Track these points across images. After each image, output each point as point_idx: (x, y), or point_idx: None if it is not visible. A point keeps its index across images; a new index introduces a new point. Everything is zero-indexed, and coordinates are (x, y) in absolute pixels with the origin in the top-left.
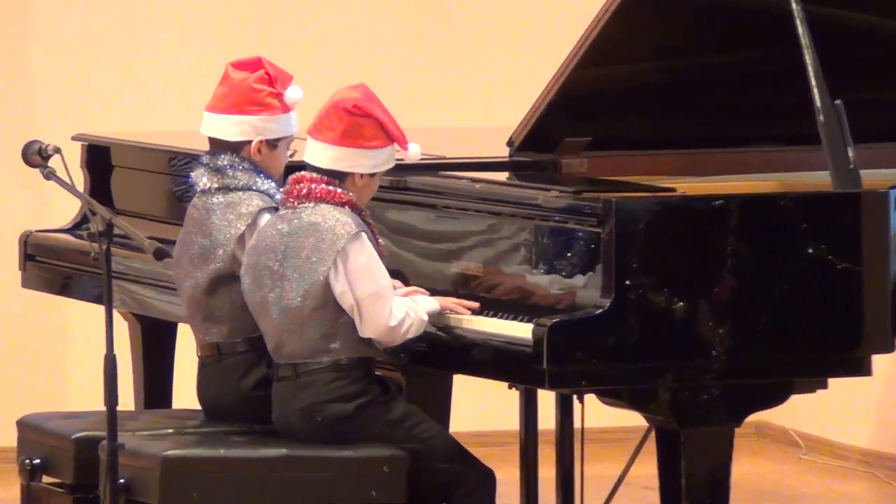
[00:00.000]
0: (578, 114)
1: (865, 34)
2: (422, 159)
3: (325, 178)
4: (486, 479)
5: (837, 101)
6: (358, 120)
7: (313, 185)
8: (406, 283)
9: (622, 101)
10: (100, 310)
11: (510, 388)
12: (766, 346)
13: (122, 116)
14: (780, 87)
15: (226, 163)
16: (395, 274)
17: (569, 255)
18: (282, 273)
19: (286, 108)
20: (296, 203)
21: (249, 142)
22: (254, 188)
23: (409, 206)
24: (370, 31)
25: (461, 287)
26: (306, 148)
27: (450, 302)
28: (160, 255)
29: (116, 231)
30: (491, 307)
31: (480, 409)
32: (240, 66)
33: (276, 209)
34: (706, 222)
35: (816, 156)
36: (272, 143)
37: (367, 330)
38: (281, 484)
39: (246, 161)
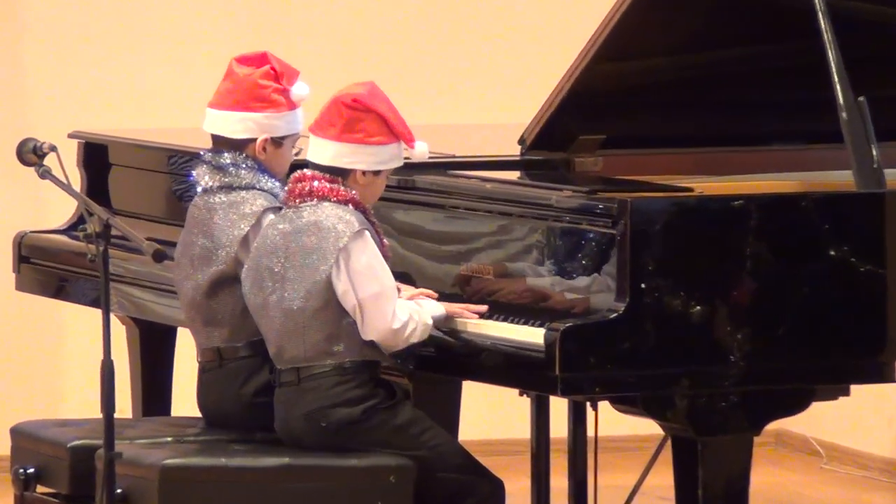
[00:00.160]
0: (592, 111)
1: (891, 28)
2: (430, 158)
3: (328, 175)
4: (495, 490)
5: (861, 98)
6: (358, 114)
7: (315, 183)
8: (413, 286)
9: (638, 97)
10: (96, 314)
11: (521, 394)
12: (786, 351)
13: (119, 113)
14: (801, 83)
15: (229, 161)
16: (401, 276)
17: (582, 257)
18: (283, 274)
19: (292, 105)
20: (297, 202)
21: (254, 139)
22: (258, 187)
23: (417, 206)
24: (378, 25)
25: (470, 290)
26: (309, 146)
27: (456, 308)
28: (159, 256)
29: (114, 232)
30: (501, 311)
31: (490, 416)
32: (245, 60)
33: (281, 209)
34: (725, 223)
35: (839, 154)
36: (277, 141)
37: (368, 331)
38: (284, 494)
39: (250, 159)
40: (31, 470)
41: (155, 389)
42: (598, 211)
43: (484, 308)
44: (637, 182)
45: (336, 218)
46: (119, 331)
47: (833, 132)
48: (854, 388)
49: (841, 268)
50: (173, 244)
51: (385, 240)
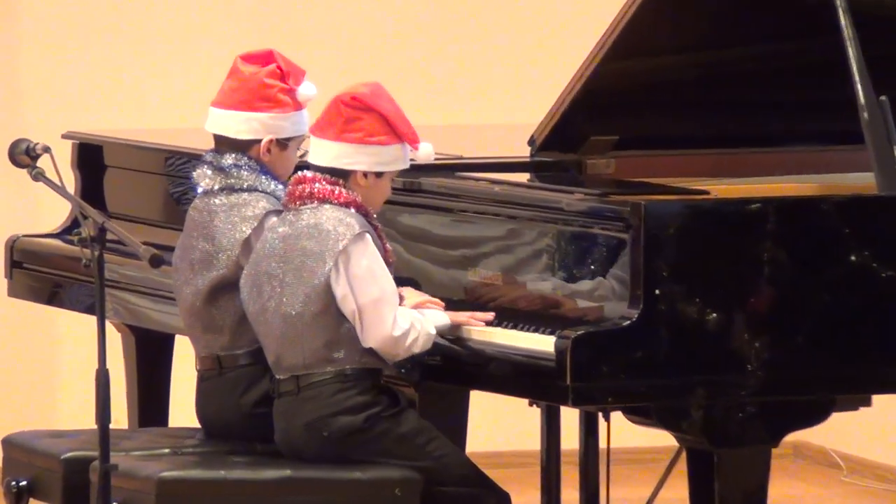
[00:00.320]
0: (604, 111)
1: None
2: (437, 159)
3: (329, 177)
4: (501, 503)
5: (882, 98)
6: (357, 113)
7: (316, 185)
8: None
9: (651, 97)
10: (91, 321)
11: (531, 405)
12: (805, 360)
13: (115, 113)
14: (820, 81)
15: (230, 162)
16: (407, 282)
17: (594, 262)
18: (281, 279)
19: (299, 106)
20: (297, 205)
21: (258, 141)
22: (260, 189)
23: (423, 209)
24: (384, 23)
25: (477, 297)
26: (310, 147)
27: (462, 317)
28: (156, 261)
29: (109, 236)
30: (510, 318)
31: (499, 427)
32: (250, 59)
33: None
34: (741, 227)
35: (860, 156)
36: (283, 143)
37: (368, 338)
38: None
39: (253, 161)
40: (24, 482)
41: (152, 399)
42: (611, 214)
43: (490, 316)
44: (651, 184)
45: (336, 220)
46: (115, 338)
47: (853, 133)
48: (876, 398)
49: (862, 273)
50: (171, 248)
51: (388, 245)
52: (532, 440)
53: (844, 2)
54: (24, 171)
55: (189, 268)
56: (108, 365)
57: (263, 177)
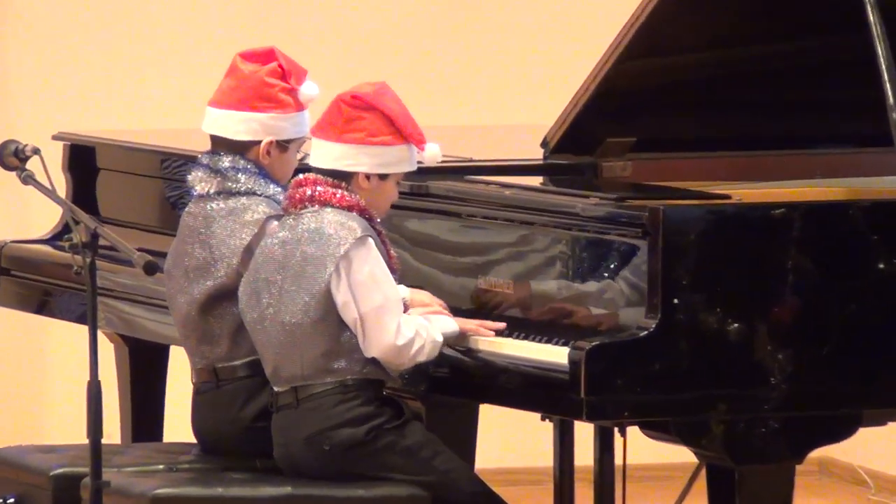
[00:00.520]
0: (621, 111)
1: None
2: (445, 161)
3: (330, 180)
4: None
5: None
6: (359, 112)
7: (317, 188)
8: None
9: (670, 96)
10: (83, 330)
11: (543, 419)
12: (831, 373)
13: (108, 113)
14: (848, 81)
15: (227, 164)
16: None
17: (609, 270)
18: (281, 286)
19: (300, 106)
20: (298, 208)
21: (258, 142)
22: (259, 193)
23: (431, 214)
24: (389, 19)
25: (487, 306)
26: (311, 148)
27: (471, 324)
28: (151, 269)
29: (102, 242)
30: (521, 328)
31: (509, 443)
32: (250, 57)
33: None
34: (765, 233)
35: (889, 158)
36: (283, 145)
37: (370, 348)
38: None
39: (251, 163)
40: (11, 500)
41: (146, 413)
42: (628, 220)
43: (502, 325)
44: (669, 188)
45: (337, 224)
46: (107, 349)
47: (882, 134)
48: None
49: (891, 282)
50: (166, 255)
51: (393, 251)
52: (544, 456)
53: None
54: (13, 173)
55: (183, 276)
56: (101, 377)
57: (262, 180)
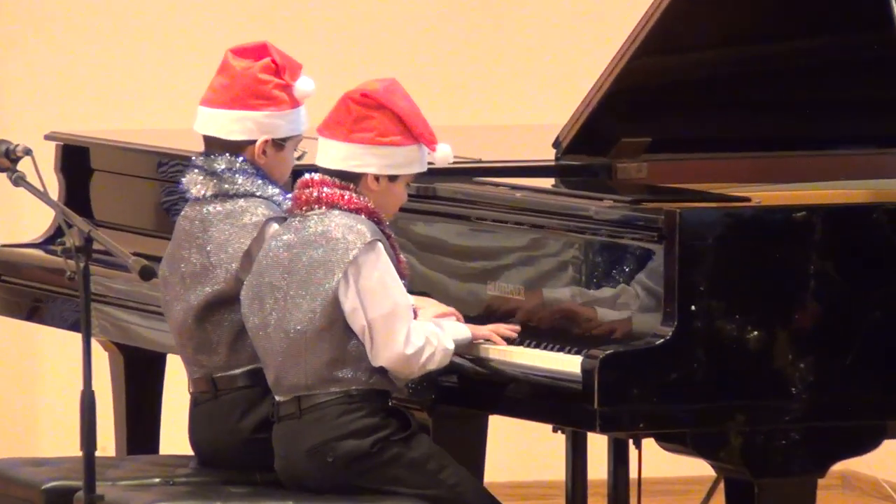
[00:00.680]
0: (636, 110)
1: None
2: (453, 163)
3: (337, 181)
4: None
5: None
6: (368, 111)
7: (323, 189)
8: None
9: (687, 95)
10: (76, 338)
11: (555, 431)
12: (854, 383)
13: (102, 112)
14: (872, 79)
15: (224, 166)
16: (421, 296)
17: (624, 275)
18: (286, 291)
19: (295, 103)
20: (304, 210)
21: (252, 141)
22: (258, 195)
23: (438, 217)
24: (395, 14)
25: (497, 312)
26: (318, 148)
27: (484, 330)
28: (147, 274)
29: (96, 246)
30: (533, 336)
31: (520, 455)
32: (242, 52)
33: (285, 220)
34: (785, 237)
35: None
36: (279, 143)
37: (379, 357)
38: None
39: (248, 164)
40: None
41: (141, 424)
42: (643, 223)
43: (516, 330)
44: (686, 191)
45: (345, 228)
46: (101, 357)
47: None
48: None
49: None
50: (161, 261)
51: (402, 256)
52: (556, 469)
53: None
54: (4, 175)
55: (179, 282)
56: (94, 386)
57: (261, 181)
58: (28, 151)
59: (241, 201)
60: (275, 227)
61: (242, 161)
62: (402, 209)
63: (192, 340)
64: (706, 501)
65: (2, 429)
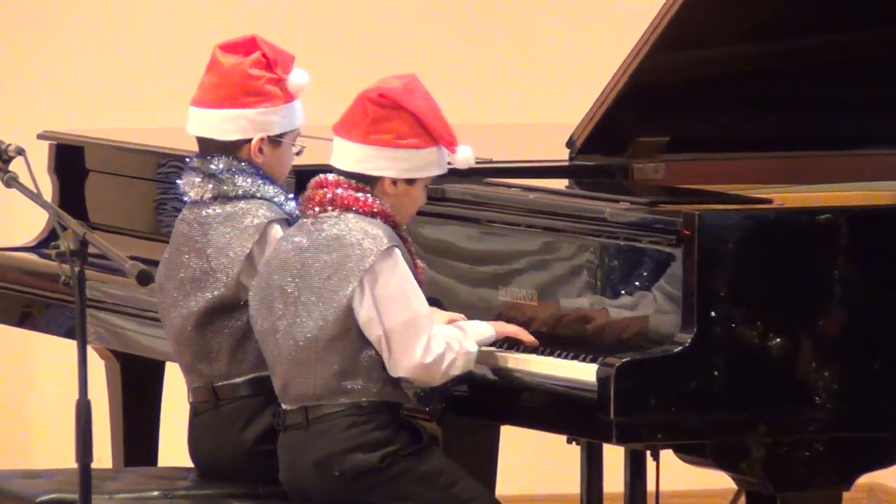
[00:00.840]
0: (653, 108)
1: None
2: None
3: (353, 182)
4: None
5: None
6: (386, 112)
7: (338, 191)
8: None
9: (706, 92)
10: (71, 346)
11: (569, 442)
12: (881, 392)
13: (97, 110)
14: None
15: (221, 167)
16: (430, 302)
17: (641, 280)
18: (296, 296)
19: (289, 97)
20: (317, 211)
21: (248, 140)
22: (258, 195)
23: (448, 220)
24: (402, 9)
25: (509, 319)
26: (333, 148)
27: (511, 327)
28: (145, 279)
29: (91, 249)
30: (546, 343)
31: (533, 467)
32: (230, 48)
33: (287, 221)
34: (809, 240)
35: None
36: (275, 140)
37: (397, 367)
38: None
39: (245, 163)
40: None
41: (139, 435)
42: (661, 226)
43: (534, 341)
44: (706, 192)
45: (361, 232)
46: (97, 366)
47: None
48: None
49: None
50: (158, 266)
51: (419, 261)
52: (571, 482)
53: None
54: None
55: (178, 288)
56: (91, 396)
57: (260, 181)
58: (20, 151)
59: (242, 203)
60: (276, 228)
61: (239, 161)
62: None
63: (190, 348)
64: None
65: None
